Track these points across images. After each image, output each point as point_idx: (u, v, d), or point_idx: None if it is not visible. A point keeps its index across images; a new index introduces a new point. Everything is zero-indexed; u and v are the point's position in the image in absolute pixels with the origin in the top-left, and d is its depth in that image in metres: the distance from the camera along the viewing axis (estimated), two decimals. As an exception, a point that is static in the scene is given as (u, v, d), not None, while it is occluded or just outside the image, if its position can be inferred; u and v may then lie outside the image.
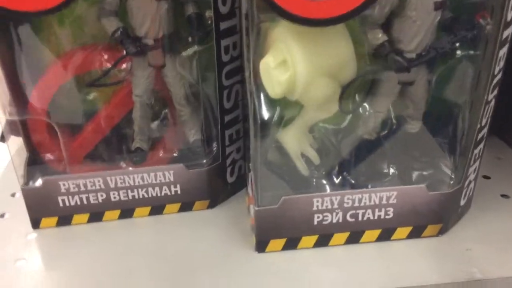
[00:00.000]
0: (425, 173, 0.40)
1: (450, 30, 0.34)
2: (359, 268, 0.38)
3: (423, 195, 0.39)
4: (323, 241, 0.40)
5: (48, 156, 0.42)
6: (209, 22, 0.37)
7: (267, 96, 0.34)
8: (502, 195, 0.46)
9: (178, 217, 0.44)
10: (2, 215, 0.44)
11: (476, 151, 0.39)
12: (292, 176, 0.39)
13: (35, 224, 0.42)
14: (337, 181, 0.39)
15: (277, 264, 0.38)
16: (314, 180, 0.39)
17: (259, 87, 0.34)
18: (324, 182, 0.39)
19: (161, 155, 0.43)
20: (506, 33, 0.34)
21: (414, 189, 0.38)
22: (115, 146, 0.42)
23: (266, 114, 0.35)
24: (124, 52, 0.38)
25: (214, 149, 0.42)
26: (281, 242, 0.39)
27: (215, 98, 0.40)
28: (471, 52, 0.35)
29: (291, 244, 0.39)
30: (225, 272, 0.38)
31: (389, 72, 0.35)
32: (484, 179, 0.48)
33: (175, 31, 0.38)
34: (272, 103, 0.35)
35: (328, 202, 0.38)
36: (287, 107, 0.36)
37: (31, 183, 0.41)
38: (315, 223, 0.39)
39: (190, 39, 0.38)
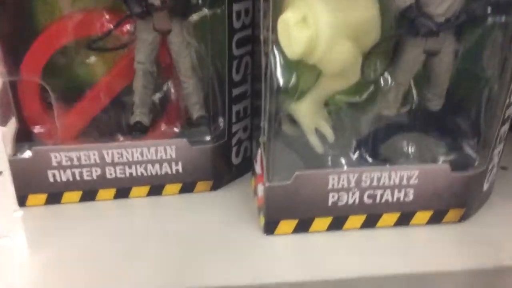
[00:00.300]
0: (447, 153, 0.38)
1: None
2: (374, 254, 0.35)
3: (446, 176, 0.36)
4: (337, 224, 0.37)
5: (39, 129, 0.39)
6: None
7: (284, 59, 0.32)
8: (522, 185, 0.44)
9: (179, 198, 0.40)
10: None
11: (502, 131, 0.37)
12: (306, 152, 0.36)
13: (22, 201, 0.38)
14: (354, 157, 0.37)
15: (287, 247, 0.35)
16: (329, 158, 0.37)
17: (276, 47, 0.31)
18: (341, 158, 0.36)
19: (162, 129, 0.39)
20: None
21: (436, 169, 0.36)
22: (113, 119, 0.39)
23: (281, 79, 0.32)
24: (128, 12, 0.35)
25: (220, 125, 0.39)
26: (292, 223, 0.36)
27: (223, 69, 0.37)
28: (503, 18, 0.32)
29: (303, 226, 0.36)
30: (231, 255, 0.34)
31: (414, 39, 0.33)
32: (501, 169, 0.46)
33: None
34: (289, 68, 0.32)
35: (344, 180, 0.35)
36: (303, 74, 0.34)
37: (19, 154, 0.37)
38: (330, 203, 0.36)
39: (200, 1, 0.35)
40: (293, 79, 0.33)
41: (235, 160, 0.42)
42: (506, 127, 0.37)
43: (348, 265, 0.34)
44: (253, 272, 0.33)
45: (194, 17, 0.36)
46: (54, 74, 0.37)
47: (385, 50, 0.34)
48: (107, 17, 0.36)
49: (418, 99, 0.37)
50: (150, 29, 0.36)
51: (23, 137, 0.38)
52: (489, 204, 0.40)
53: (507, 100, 0.35)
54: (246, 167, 0.43)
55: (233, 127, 0.40)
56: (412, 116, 0.37)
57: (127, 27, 0.36)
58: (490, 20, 0.33)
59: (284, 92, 0.33)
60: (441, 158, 0.37)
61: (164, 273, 0.33)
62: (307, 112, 0.36)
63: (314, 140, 0.36)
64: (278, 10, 0.30)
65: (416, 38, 0.33)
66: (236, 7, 0.35)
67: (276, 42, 0.31)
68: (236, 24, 0.36)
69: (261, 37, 0.33)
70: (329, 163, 0.36)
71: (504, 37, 0.33)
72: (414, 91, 0.37)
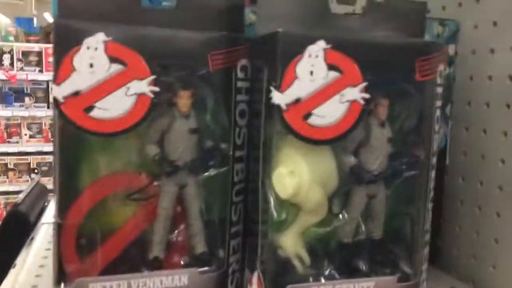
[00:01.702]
0: (388, 270, 0.51)
1: (398, 157, 0.49)
2: None
3: (395, 287, 0.49)
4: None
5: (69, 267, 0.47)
6: (226, 152, 0.49)
7: (277, 201, 0.46)
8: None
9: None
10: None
11: (425, 252, 0.52)
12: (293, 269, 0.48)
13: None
14: (326, 274, 0.49)
15: None
16: (310, 277, 0.48)
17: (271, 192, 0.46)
18: (318, 275, 0.48)
19: (173, 261, 0.50)
20: (434, 160, 0.50)
21: (388, 280, 0.49)
22: (137, 254, 0.49)
23: (276, 214, 0.46)
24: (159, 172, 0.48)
25: (221, 256, 0.51)
26: (285, 331, 0.46)
27: (225, 213, 0.50)
28: (412, 173, 0.50)
29: (293, 332, 0.46)
30: None
31: (360, 186, 0.49)
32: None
33: (198, 157, 0.49)
34: (281, 207, 0.46)
35: (322, 292, 0.47)
36: (288, 213, 0.48)
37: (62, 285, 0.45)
38: (313, 313, 0.47)
39: (212, 163, 0.50)
40: (284, 215, 0.47)
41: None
42: (427, 249, 0.52)
43: None
44: None
45: (206, 175, 0.50)
46: (92, 218, 0.47)
47: (342, 194, 0.49)
48: (141, 176, 0.49)
49: (365, 231, 0.52)
50: (173, 184, 0.49)
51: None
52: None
53: (426, 227, 0.51)
54: (237, 297, 0.53)
55: (230, 258, 0.51)
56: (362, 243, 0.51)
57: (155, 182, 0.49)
58: (405, 174, 0.50)
59: (278, 223, 0.46)
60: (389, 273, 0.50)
61: None
62: (290, 241, 0.48)
63: (296, 263, 0.49)
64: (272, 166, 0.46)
65: (360, 186, 0.49)
66: (236, 167, 0.50)
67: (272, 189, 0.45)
68: (236, 179, 0.50)
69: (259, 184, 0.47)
70: (310, 279, 0.48)
71: (415, 186, 0.50)
72: (362, 225, 0.51)
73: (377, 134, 0.48)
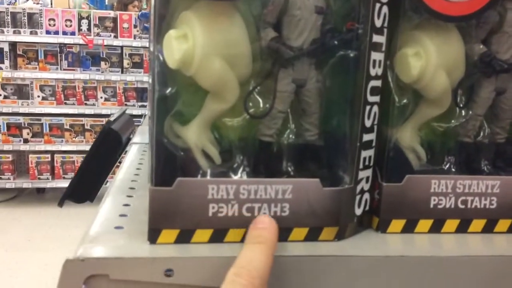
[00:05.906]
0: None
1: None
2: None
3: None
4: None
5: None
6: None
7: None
8: None
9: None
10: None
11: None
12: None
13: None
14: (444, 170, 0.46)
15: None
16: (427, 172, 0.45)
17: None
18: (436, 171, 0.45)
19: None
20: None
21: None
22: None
23: (397, 99, 0.43)
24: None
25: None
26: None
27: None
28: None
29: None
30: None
31: (488, 79, 0.45)
32: None
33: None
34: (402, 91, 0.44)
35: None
36: (410, 100, 0.44)
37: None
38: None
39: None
40: (404, 100, 0.44)
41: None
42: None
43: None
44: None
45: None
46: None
47: (467, 86, 0.45)
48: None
49: (489, 133, 0.48)
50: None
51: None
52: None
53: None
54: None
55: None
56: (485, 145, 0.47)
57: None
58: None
59: (398, 109, 0.43)
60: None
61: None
62: (408, 135, 0.45)
63: (411, 158, 0.46)
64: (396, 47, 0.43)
65: (489, 78, 0.45)
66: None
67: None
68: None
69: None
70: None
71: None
72: (486, 126, 0.47)
73: (513, 19, 0.44)
